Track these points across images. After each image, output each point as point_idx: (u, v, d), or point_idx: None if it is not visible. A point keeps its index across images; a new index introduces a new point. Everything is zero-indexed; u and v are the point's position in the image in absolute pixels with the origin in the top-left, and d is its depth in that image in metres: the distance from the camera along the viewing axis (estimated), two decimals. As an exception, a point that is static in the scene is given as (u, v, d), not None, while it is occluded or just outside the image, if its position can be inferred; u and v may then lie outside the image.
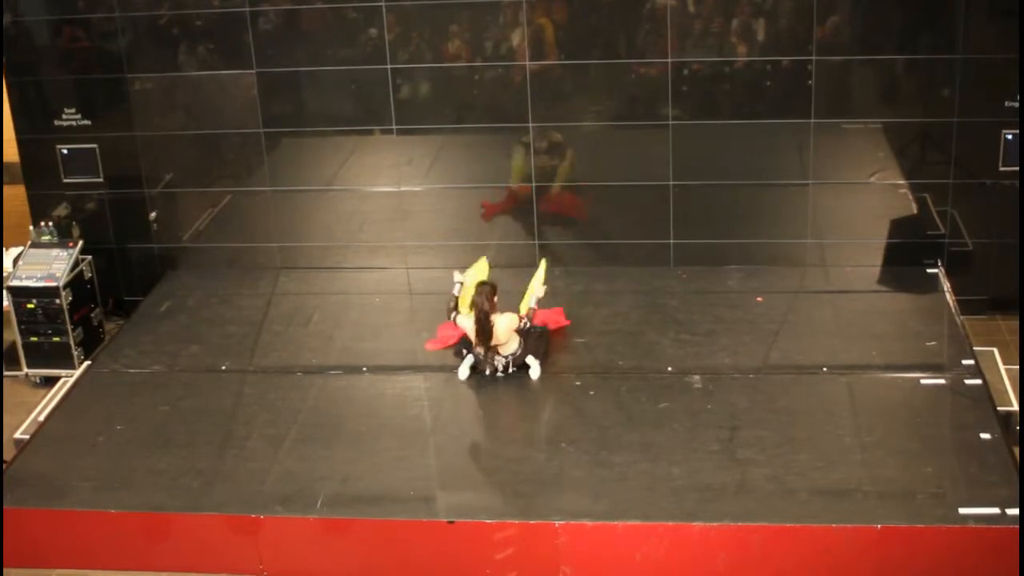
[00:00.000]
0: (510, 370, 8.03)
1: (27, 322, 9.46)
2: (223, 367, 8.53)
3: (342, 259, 10.14)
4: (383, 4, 9.32)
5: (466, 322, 7.99)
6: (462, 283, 8.30)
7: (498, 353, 8.02)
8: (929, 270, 9.40)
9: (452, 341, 8.27)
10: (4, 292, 9.44)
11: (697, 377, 8.02)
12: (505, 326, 7.94)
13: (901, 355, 8.20)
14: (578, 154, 9.76)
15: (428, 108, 9.72)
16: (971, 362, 8.00)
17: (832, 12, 9.07)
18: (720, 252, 9.69)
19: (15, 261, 9.59)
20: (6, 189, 10.80)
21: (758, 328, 8.66)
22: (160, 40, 9.67)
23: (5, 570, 6.88)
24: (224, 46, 9.63)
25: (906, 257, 9.53)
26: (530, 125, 9.53)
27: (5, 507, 6.91)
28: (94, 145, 9.94)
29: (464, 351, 8.18)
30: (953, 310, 8.75)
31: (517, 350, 8.05)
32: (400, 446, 7.43)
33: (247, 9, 9.45)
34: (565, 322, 8.74)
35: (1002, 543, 6.30)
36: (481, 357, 8.01)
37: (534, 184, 9.76)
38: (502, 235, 9.97)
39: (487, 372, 8.02)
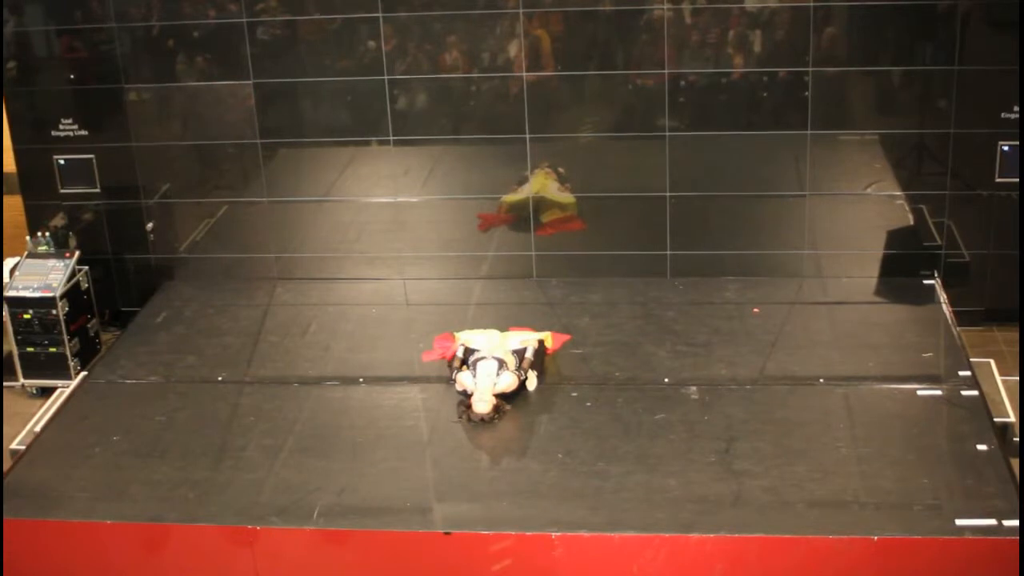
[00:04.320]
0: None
1: (23, 333, 9.46)
2: (219, 378, 8.52)
3: (339, 270, 10.14)
4: (380, 15, 9.33)
5: (467, 380, 7.92)
6: (464, 346, 8.18)
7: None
8: (926, 281, 9.40)
9: (449, 353, 8.26)
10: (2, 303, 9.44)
11: (694, 388, 8.01)
12: (501, 389, 7.88)
13: (898, 366, 8.20)
14: (575, 165, 9.77)
15: (425, 119, 9.73)
16: (968, 373, 8.00)
17: (829, 24, 9.09)
18: (717, 263, 9.70)
19: (12, 271, 9.59)
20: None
21: (755, 339, 8.65)
22: (157, 51, 9.68)
23: (0, 581, 6.88)
24: (221, 57, 9.64)
25: (903, 268, 9.54)
26: (527, 136, 9.54)
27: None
28: (91, 155, 9.94)
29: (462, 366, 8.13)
30: (949, 321, 8.76)
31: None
32: (397, 457, 7.42)
33: (244, 20, 9.46)
34: (565, 337, 8.72)
35: (999, 555, 6.29)
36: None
37: (531, 201, 9.78)
38: (499, 246, 9.97)
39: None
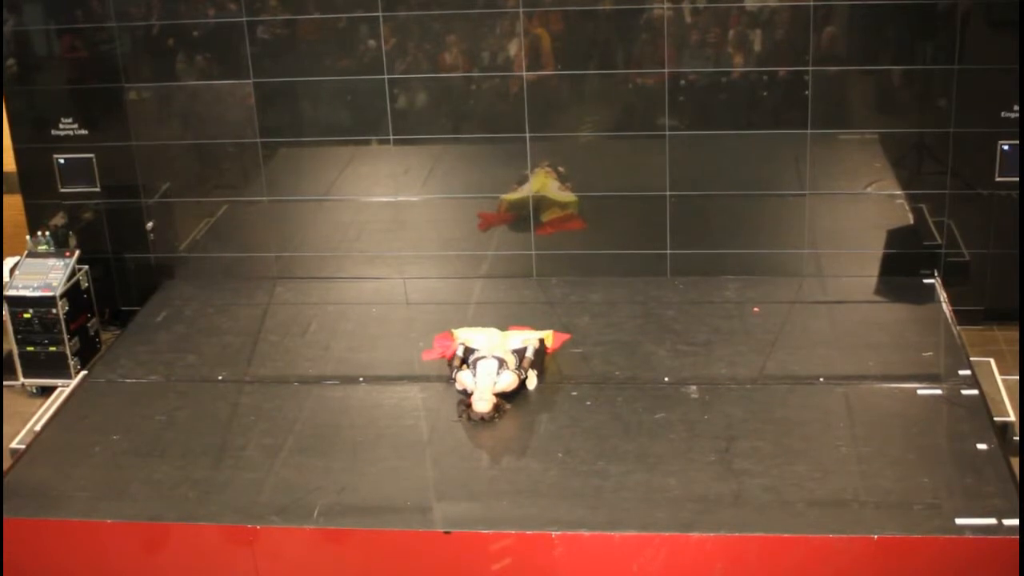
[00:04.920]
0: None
1: (23, 332, 9.46)
2: (220, 377, 8.52)
3: (339, 269, 10.14)
4: (380, 15, 9.33)
5: (467, 379, 7.92)
6: (464, 344, 8.19)
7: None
8: (926, 280, 9.40)
9: (449, 352, 8.26)
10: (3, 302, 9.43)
11: (694, 387, 8.01)
12: (501, 388, 7.87)
13: (898, 365, 8.20)
14: (575, 165, 9.78)
15: (425, 118, 9.73)
16: (968, 372, 8.00)
17: (829, 23, 9.09)
18: (717, 262, 9.70)
19: (12, 271, 9.59)
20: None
21: (755, 338, 8.65)
22: (157, 50, 9.68)
23: (0, 581, 6.88)
24: (221, 56, 9.64)
25: (903, 267, 9.54)
26: (527, 135, 9.55)
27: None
28: (91, 155, 9.94)
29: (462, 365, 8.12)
30: (950, 320, 8.76)
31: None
32: (397, 456, 7.42)
33: (244, 19, 9.46)
34: (565, 336, 8.72)
35: (999, 554, 6.30)
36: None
37: (531, 200, 9.78)
38: (499, 245, 9.98)
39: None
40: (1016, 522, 6.38)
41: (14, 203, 10.51)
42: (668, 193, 9.57)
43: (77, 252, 9.71)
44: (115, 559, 6.93)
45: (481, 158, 9.89)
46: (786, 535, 6.46)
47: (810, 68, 9.16)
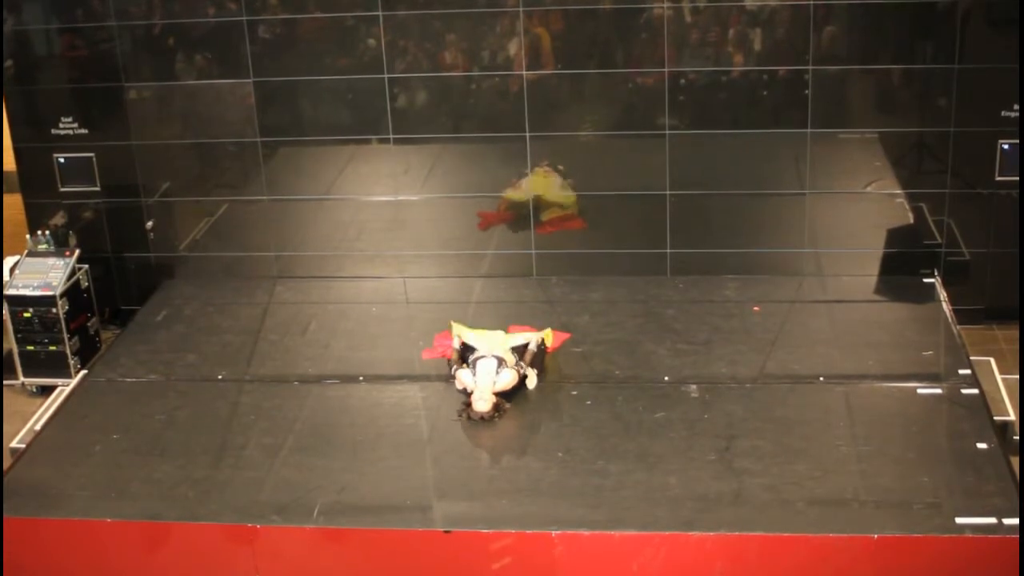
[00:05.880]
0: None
1: (23, 331, 9.46)
2: (220, 376, 8.52)
3: (339, 268, 10.14)
4: (380, 14, 9.33)
5: (466, 378, 7.91)
6: (460, 337, 8.18)
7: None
8: (926, 280, 9.40)
9: (449, 352, 8.26)
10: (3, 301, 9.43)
11: (694, 386, 8.01)
12: (501, 387, 7.87)
13: (898, 365, 8.20)
14: (575, 164, 9.77)
15: (425, 117, 9.73)
16: (968, 372, 8.00)
17: (829, 22, 9.09)
18: (717, 261, 9.70)
19: (12, 270, 9.59)
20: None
21: (755, 338, 8.65)
22: (157, 49, 9.68)
23: (0, 580, 6.88)
24: (221, 55, 9.64)
25: (903, 267, 9.54)
26: (527, 134, 9.54)
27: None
28: (91, 154, 9.94)
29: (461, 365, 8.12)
30: (950, 320, 8.76)
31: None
32: (397, 455, 7.42)
33: (244, 18, 9.46)
34: (565, 336, 8.71)
35: (999, 553, 6.29)
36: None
37: (531, 200, 9.79)
38: (499, 244, 9.98)
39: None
40: (1016, 521, 6.38)
41: (14, 202, 10.51)
42: (668, 192, 9.57)
43: (77, 251, 9.70)
44: (115, 558, 6.93)
45: (481, 157, 9.89)
46: (786, 534, 6.46)
47: (810, 67, 9.16)
